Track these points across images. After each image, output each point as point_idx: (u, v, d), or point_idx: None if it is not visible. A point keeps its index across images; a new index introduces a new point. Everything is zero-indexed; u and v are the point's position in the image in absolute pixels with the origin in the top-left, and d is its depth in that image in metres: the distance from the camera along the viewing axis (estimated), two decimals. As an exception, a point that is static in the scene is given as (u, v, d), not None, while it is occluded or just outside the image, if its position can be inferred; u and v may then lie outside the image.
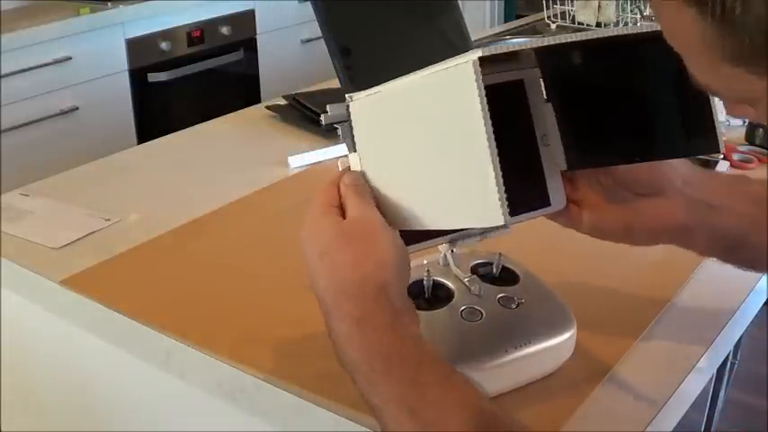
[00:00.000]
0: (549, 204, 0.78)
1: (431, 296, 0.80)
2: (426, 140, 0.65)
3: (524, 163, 0.78)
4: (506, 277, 0.83)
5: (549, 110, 0.78)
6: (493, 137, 0.57)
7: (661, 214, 0.76)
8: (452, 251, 0.81)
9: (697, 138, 0.73)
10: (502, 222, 0.58)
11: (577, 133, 0.77)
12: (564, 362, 0.81)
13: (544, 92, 0.79)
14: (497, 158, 0.58)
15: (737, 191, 0.78)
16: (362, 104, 0.72)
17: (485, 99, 0.57)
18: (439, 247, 0.80)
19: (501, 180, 0.58)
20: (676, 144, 0.76)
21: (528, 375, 0.79)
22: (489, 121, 0.57)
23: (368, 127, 0.72)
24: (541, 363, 0.80)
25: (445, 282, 0.81)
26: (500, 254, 0.83)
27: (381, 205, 0.71)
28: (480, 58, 0.57)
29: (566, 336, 0.79)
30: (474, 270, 0.82)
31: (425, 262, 0.82)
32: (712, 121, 0.71)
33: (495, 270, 0.83)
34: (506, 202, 0.58)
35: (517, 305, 0.79)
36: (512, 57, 0.72)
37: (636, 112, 0.76)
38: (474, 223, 0.65)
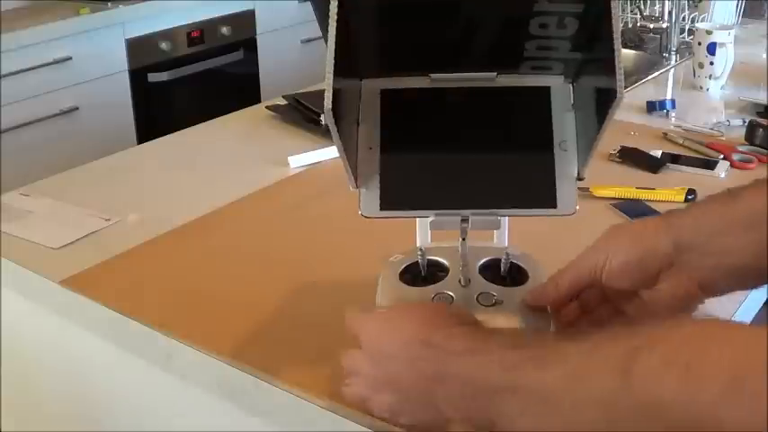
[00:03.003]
0: (556, 206, 0.78)
1: (427, 274, 0.81)
2: None
3: (535, 163, 0.79)
4: (515, 277, 0.82)
5: (571, 118, 0.79)
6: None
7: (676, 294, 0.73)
8: (463, 239, 0.81)
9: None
10: None
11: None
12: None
13: (572, 99, 0.80)
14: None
15: (729, 221, 0.72)
16: None
17: None
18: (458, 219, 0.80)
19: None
20: None
21: None
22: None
23: None
24: None
25: (445, 263, 0.82)
26: (507, 253, 0.81)
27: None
28: None
29: None
30: (487, 265, 0.82)
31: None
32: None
33: (503, 269, 0.82)
34: None
35: (493, 304, 0.79)
36: None
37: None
38: None
